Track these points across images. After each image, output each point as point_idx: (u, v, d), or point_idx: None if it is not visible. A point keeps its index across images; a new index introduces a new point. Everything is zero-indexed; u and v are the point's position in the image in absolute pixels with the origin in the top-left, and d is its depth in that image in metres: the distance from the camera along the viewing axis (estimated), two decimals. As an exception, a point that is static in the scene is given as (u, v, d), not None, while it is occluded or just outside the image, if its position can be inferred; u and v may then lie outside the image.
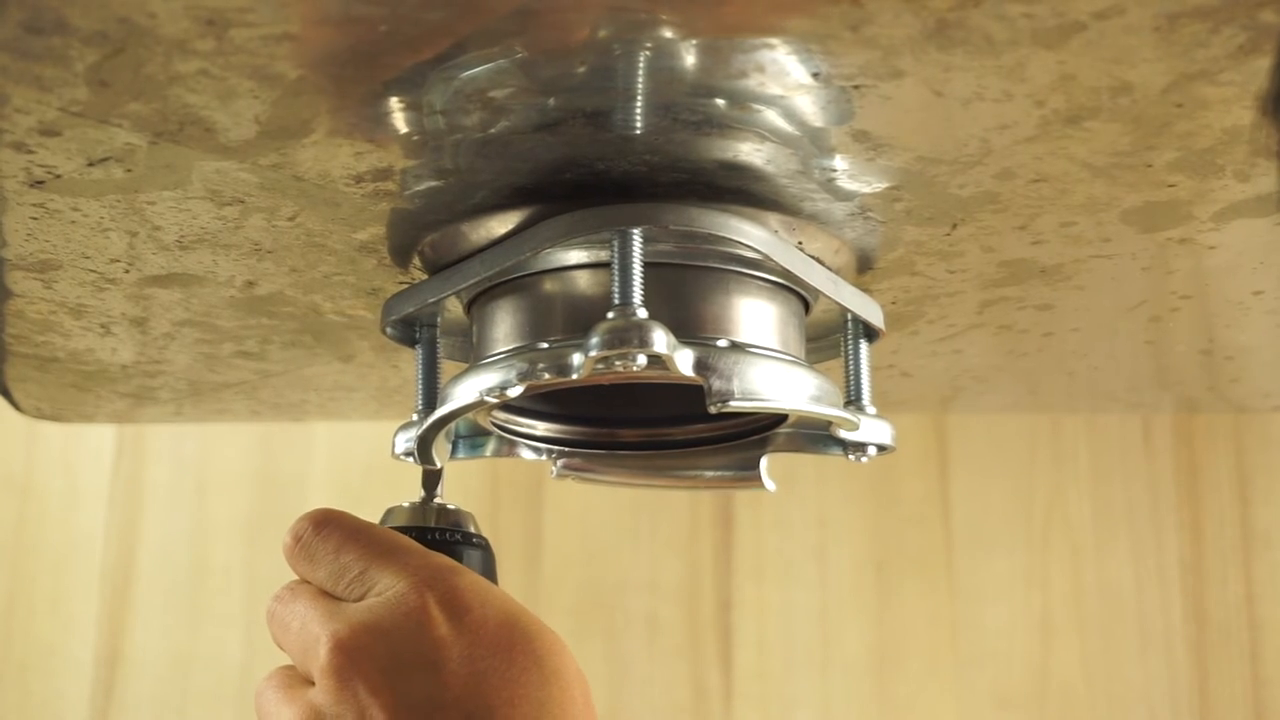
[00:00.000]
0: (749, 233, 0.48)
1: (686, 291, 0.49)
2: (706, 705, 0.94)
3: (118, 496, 0.99)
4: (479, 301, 0.52)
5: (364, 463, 0.97)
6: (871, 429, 0.52)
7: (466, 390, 0.48)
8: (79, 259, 0.54)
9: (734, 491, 0.92)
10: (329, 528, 0.48)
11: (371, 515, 0.51)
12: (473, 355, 0.52)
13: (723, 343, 0.48)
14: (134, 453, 0.99)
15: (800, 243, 0.50)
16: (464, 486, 0.94)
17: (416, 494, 0.52)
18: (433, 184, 0.47)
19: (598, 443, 0.56)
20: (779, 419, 0.54)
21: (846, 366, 0.54)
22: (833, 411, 0.50)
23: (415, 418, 0.54)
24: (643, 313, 0.45)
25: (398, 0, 0.36)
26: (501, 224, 0.49)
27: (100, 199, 0.48)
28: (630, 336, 0.45)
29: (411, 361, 0.56)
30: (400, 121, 0.43)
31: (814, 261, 0.51)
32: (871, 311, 0.54)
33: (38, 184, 0.47)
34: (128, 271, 0.55)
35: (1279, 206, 0.50)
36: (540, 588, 0.95)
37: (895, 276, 0.57)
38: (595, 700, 1.01)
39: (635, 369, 0.45)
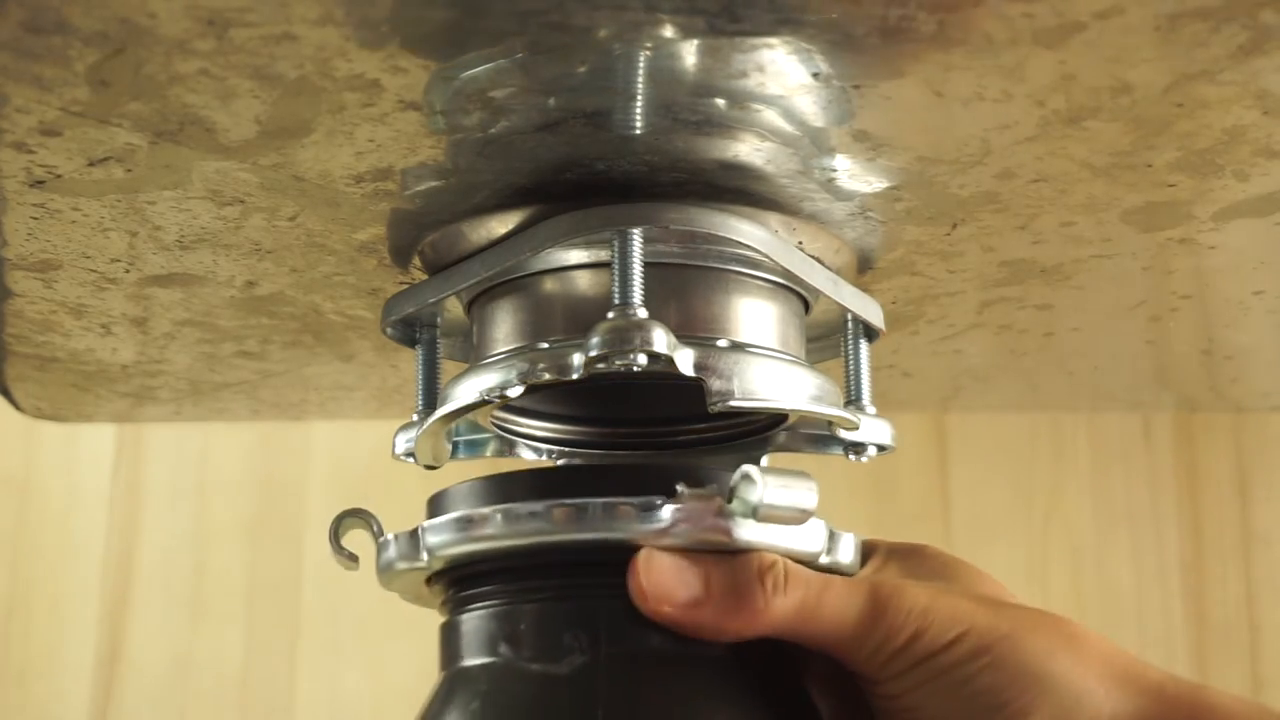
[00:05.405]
0: (749, 233, 0.48)
1: (686, 291, 0.49)
2: (706, 705, 0.93)
3: (118, 496, 0.99)
4: (479, 301, 0.52)
5: (364, 463, 0.97)
6: (871, 428, 0.52)
7: (467, 390, 0.48)
8: (79, 259, 0.54)
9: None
10: None
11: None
12: (473, 355, 0.52)
13: (723, 342, 0.48)
14: (134, 453, 0.99)
15: (800, 242, 0.50)
16: (464, 486, 0.94)
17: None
18: (433, 184, 0.47)
19: (598, 443, 0.56)
20: (779, 419, 0.54)
21: (846, 366, 0.54)
22: (833, 411, 0.50)
23: (415, 418, 0.54)
24: (643, 312, 0.45)
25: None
26: (502, 224, 0.49)
27: (100, 199, 0.48)
28: (630, 336, 0.45)
29: (411, 361, 0.56)
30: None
31: (814, 261, 0.51)
32: (871, 311, 0.54)
33: (38, 184, 0.47)
34: (128, 271, 0.55)
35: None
36: (540, 587, 0.95)
37: (895, 276, 0.57)
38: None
39: (635, 369, 0.45)
